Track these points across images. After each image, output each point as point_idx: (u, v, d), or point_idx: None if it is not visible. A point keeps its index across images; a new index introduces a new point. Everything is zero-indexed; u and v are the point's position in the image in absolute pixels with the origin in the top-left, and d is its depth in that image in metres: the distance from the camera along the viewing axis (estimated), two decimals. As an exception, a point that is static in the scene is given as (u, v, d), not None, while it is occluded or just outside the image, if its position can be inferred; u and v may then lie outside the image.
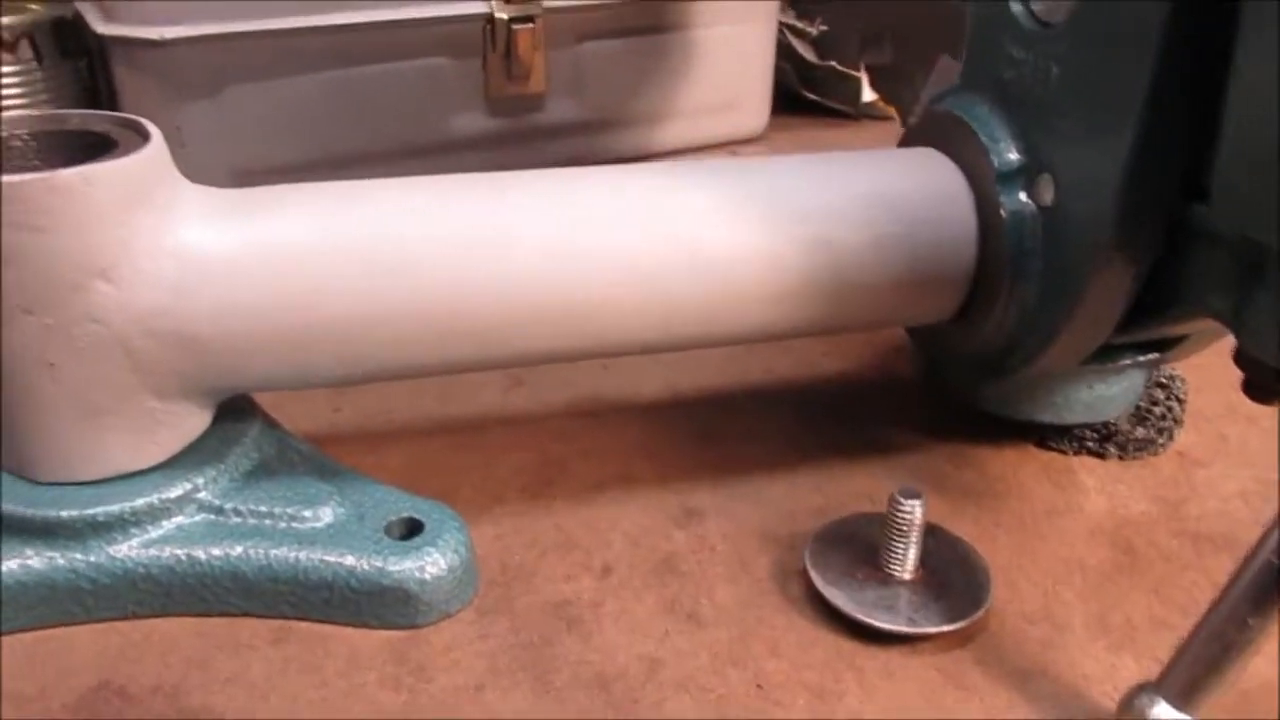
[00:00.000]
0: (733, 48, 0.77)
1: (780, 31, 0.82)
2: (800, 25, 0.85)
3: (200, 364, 0.34)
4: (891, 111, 0.87)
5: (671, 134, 0.78)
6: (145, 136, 0.34)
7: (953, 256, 0.40)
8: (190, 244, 0.33)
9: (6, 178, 0.30)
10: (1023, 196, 0.38)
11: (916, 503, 0.35)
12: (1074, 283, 0.37)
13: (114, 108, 0.64)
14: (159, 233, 0.33)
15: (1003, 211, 0.38)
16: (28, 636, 0.34)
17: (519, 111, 0.71)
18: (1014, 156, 0.38)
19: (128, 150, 0.33)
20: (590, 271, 0.36)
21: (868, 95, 0.87)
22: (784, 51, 0.83)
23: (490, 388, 0.49)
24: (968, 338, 0.42)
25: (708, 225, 0.37)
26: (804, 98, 0.87)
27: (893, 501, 0.36)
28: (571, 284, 0.36)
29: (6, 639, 0.34)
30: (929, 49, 0.77)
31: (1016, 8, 0.38)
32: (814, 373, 0.52)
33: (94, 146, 0.35)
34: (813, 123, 0.87)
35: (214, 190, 0.35)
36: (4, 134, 0.34)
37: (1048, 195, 0.37)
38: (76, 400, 0.34)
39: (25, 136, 0.35)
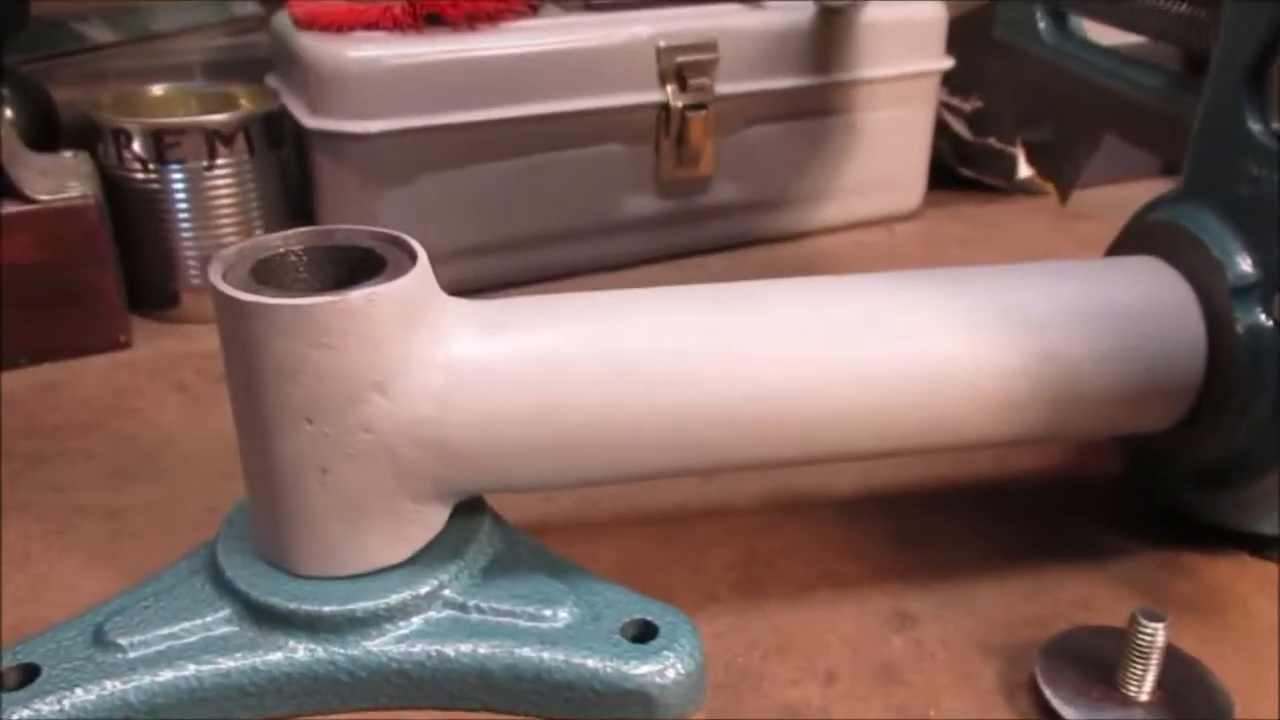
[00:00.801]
0: (894, 129, 0.78)
1: (936, 109, 0.82)
2: (955, 102, 0.86)
3: (456, 469, 0.36)
4: (1048, 188, 0.86)
5: (830, 213, 0.79)
6: (409, 253, 0.36)
7: (1180, 370, 0.39)
8: (454, 357, 0.35)
9: (303, 300, 0.33)
10: (1259, 311, 0.38)
11: (1159, 625, 0.35)
12: (1317, 401, 0.36)
13: (310, 195, 0.67)
14: (428, 347, 0.35)
15: (1238, 327, 0.38)
16: (290, 725, 0.36)
17: (686, 194, 0.73)
18: (1249, 271, 0.38)
19: (399, 268, 0.35)
20: (828, 385, 0.37)
21: (1023, 171, 0.86)
22: (939, 128, 0.83)
23: (689, 478, 0.50)
24: (1190, 448, 0.42)
25: (940, 339, 0.38)
26: (959, 174, 0.87)
27: (1134, 622, 0.35)
28: (810, 397, 0.37)
29: (273, 728, 0.36)
30: (1094, 128, 0.77)
31: (1256, 126, 0.38)
32: (1007, 468, 0.52)
33: (359, 261, 0.37)
34: (967, 198, 0.87)
35: (472, 303, 0.37)
36: (282, 249, 0.37)
37: (1288, 312, 0.37)
38: (342, 502, 0.36)
39: (299, 251, 0.37)
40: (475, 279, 0.66)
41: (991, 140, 0.86)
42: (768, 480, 0.50)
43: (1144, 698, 0.36)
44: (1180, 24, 0.47)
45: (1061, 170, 0.83)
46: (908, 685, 0.38)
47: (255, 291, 0.33)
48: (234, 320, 0.33)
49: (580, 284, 0.70)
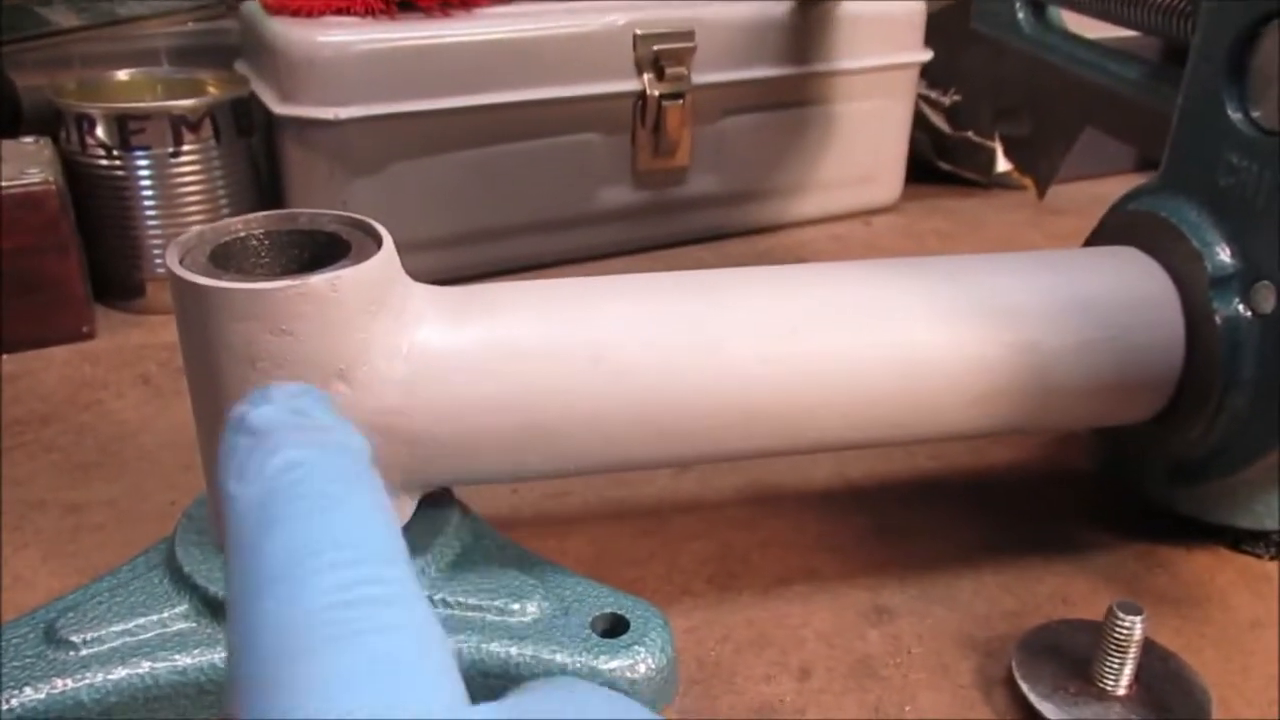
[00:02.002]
0: (872, 122, 0.78)
1: (915, 102, 0.82)
2: (934, 96, 0.85)
3: (422, 460, 0.35)
4: (1026, 182, 0.86)
5: (808, 205, 0.79)
6: (375, 237, 0.35)
7: (1158, 362, 0.39)
8: (420, 344, 0.34)
9: (262, 285, 0.32)
10: (1237, 303, 0.37)
11: (1137, 619, 0.34)
12: (1296, 393, 0.36)
13: (279, 184, 0.66)
14: (393, 334, 0.34)
15: (1217, 318, 0.38)
16: (250, 724, 0.35)
17: (663, 185, 0.72)
18: (1228, 262, 0.38)
19: (363, 253, 0.34)
20: (802, 374, 0.36)
21: (1002, 165, 0.86)
22: (918, 121, 0.83)
23: (662, 471, 0.49)
24: (1166, 441, 0.41)
25: (916, 328, 0.37)
26: (937, 167, 0.87)
27: (1112, 615, 0.35)
28: (784, 386, 0.36)
29: (231, 726, 0.35)
30: (1071, 122, 0.76)
31: (1236, 115, 0.37)
32: (984, 461, 0.51)
33: (323, 246, 0.36)
34: (945, 192, 0.87)
35: (440, 290, 0.36)
36: (243, 233, 0.36)
37: (1267, 303, 0.36)
38: (304, 493, 0.34)
39: (260, 235, 0.36)
40: (448, 270, 0.65)
41: (970, 134, 0.85)
42: (743, 474, 0.49)
43: (1121, 692, 0.35)
44: (1159, 14, 0.46)
45: (1039, 165, 0.83)
46: (883, 681, 0.38)
47: (213, 276, 0.32)
48: (191, 306, 0.32)
49: (555, 276, 0.69)
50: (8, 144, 0.60)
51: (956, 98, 0.86)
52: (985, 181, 0.87)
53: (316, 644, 0.18)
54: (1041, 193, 0.83)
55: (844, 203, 0.80)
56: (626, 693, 0.35)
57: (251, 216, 0.36)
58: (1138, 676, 0.36)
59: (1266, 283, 0.36)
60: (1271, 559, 0.44)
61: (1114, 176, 0.86)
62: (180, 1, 0.74)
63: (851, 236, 0.79)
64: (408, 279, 0.35)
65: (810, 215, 0.79)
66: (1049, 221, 0.82)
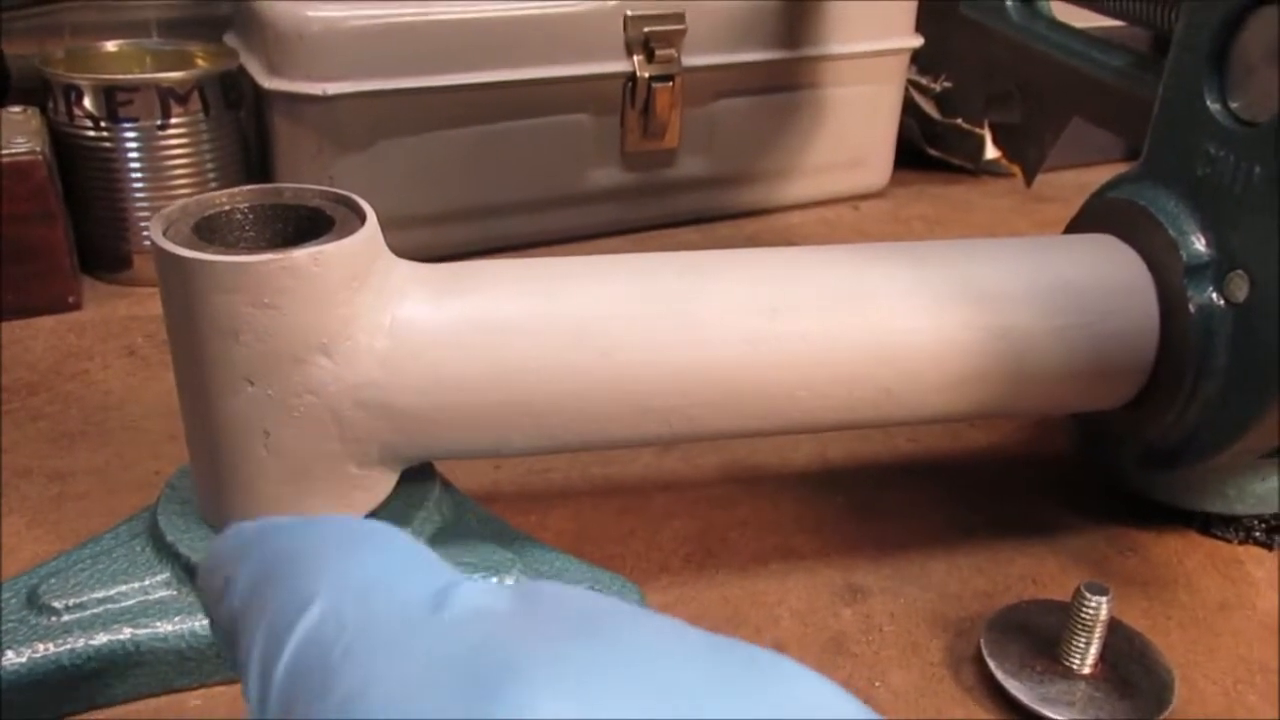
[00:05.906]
0: (862, 106, 0.78)
1: (905, 88, 0.82)
2: (924, 82, 0.86)
3: (403, 434, 0.35)
4: (1014, 169, 0.86)
5: (797, 189, 0.79)
6: (358, 213, 0.36)
7: (1133, 348, 0.40)
8: (402, 320, 0.34)
9: (245, 257, 0.32)
10: (1211, 291, 0.38)
11: (1103, 599, 0.35)
12: (1266, 381, 0.36)
13: (267, 157, 0.66)
14: (375, 309, 0.34)
15: (1191, 306, 0.38)
16: (231, 689, 0.36)
17: (651, 166, 0.72)
18: (1203, 250, 0.38)
19: (347, 228, 0.34)
20: (783, 355, 0.36)
21: (990, 153, 0.86)
22: (907, 107, 0.83)
23: (646, 449, 0.50)
24: (1140, 427, 0.42)
25: (896, 312, 0.37)
26: (926, 153, 0.87)
27: (1079, 595, 0.35)
28: (765, 367, 0.36)
29: (214, 690, 0.36)
30: (1061, 110, 0.77)
31: (1215, 105, 0.38)
32: (962, 444, 0.52)
33: (306, 220, 0.36)
34: (934, 178, 0.87)
35: (422, 266, 0.36)
36: (227, 207, 0.36)
37: (1240, 292, 0.37)
38: (284, 466, 0.35)
39: (244, 209, 0.36)
40: (434, 247, 0.64)
41: (959, 121, 0.86)
42: (724, 453, 0.50)
43: (1086, 671, 0.36)
44: (1144, 3, 0.47)
45: (1027, 152, 0.83)
46: (854, 658, 0.38)
47: (197, 248, 0.32)
48: (175, 278, 0.33)
49: (542, 255, 0.69)
50: (-5, 113, 0.60)
51: (947, 84, 0.86)
52: (973, 168, 0.87)
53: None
54: (1029, 180, 0.83)
55: (833, 187, 0.80)
56: (601, 665, 0.35)
57: (236, 190, 0.37)
58: (1103, 656, 0.36)
59: (1240, 272, 0.37)
60: (1240, 543, 0.44)
61: (1102, 165, 0.86)
62: (170, -27, 0.74)
63: (839, 221, 0.79)
64: (391, 255, 0.36)
65: (799, 199, 0.79)
66: (1036, 209, 0.82)
